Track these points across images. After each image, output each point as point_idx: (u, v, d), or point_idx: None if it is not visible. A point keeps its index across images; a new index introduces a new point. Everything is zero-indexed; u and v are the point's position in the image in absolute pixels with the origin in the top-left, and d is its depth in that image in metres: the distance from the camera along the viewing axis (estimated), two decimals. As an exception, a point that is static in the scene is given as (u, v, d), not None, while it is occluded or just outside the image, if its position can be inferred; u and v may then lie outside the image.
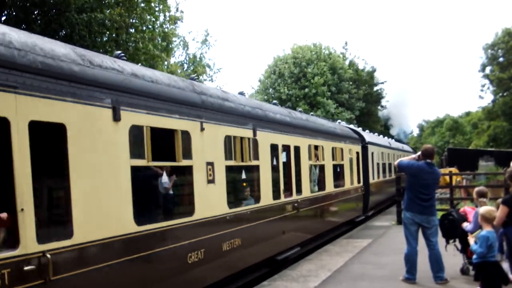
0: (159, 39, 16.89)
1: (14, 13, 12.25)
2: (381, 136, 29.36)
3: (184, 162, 7.34)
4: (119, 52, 6.25)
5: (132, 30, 14.10)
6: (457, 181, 24.64)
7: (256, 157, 9.77)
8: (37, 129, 4.84)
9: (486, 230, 6.65)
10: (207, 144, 7.93)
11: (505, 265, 7.50)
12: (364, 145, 19.81)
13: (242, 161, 9.22)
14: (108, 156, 5.79)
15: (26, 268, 4.57)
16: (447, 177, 18.90)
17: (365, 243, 13.41)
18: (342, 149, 16.22)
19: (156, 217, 7.11)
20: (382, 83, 47.39)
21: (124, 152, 6.05)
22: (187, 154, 7.40)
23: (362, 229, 17.12)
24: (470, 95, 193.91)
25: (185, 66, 21.41)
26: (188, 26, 62.27)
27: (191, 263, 7.28)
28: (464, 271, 9.02)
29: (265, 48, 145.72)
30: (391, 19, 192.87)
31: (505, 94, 52.06)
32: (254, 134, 9.66)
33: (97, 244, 5.50)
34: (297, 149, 12.08)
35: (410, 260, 8.69)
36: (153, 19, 15.40)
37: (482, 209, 6.97)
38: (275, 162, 10.79)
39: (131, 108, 6.15)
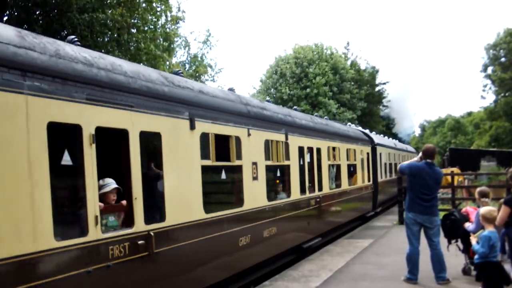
0: (161, 39, 16.89)
1: (16, 13, 12.26)
2: (386, 137, 30.40)
3: (237, 162, 8.92)
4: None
5: (134, 30, 14.09)
6: (459, 181, 24.63)
7: (288, 157, 11.34)
8: (144, 137, 6.41)
9: (488, 230, 6.64)
10: (252, 147, 9.50)
11: (507, 266, 7.49)
12: (373, 146, 21.03)
13: (277, 161, 10.82)
14: (186, 157, 7.37)
15: (138, 242, 6.08)
16: (449, 177, 18.88)
17: (367, 243, 13.39)
18: (354, 150, 17.62)
19: (217, 207, 8.43)
20: (384, 83, 47.40)
21: (196, 154, 7.63)
22: (239, 156, 8.97)
23: (363, 229, 17.10)
24: (472, 95, 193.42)
25: (187, 66, 21.41)
26: (190, 26, 62.39)
27: (241, 245, 8.90)
28: (466, 271, 9.01)
29: (266, 48, 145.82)
30: (393, 19, 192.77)
31: (507, 94, 52.01)
32: (286, 138, 11.24)
33: (181, 227, 7.09)
34: (318, 150, 13.63)
35: (412, 260, 8.68)
36: (155, 19, 15.40)
37: (483, 210, 6.96)
38: (301, 162, 12.27)
39: (201, 119, 7.73)
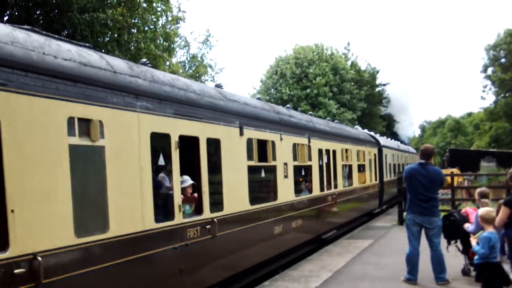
0: (161, 39, 16.89)
1: (16, 13, 12.26)
2: (388, 138, 31.80)
3: (272, 163, 10.58)
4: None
5: (134, 30, 14.10)
6: (459, 182, 24.64)
7: (310, 159, 12.90)
8: (209, 143, 8.03)
9: (488, 231, 6.65)
10: (283, 150, 11.12)
11: (506, 266, 7.49)
12: (380, 148, 22.54)
13: (302, 162, 12.39)
14: (237, 158, 8.97)
15: (206, 227, 7.69)
16: (449, 178, 18.88)
17: (366, 244, 13.41)
18: (364, 152, 19.38)
19: (258, 200, 9.90)
20: (384, 85, 47.34)
21: (244, 156, 9.24)
22: (274, 157, 10.60)
23: (363, 230, 17.11)
24: (472, 96, 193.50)
25: (187, 66, 21.40)
26: (189, 26, 62.34)
27: (275, 234, 10.49)
28: (465, 272, 9.02)
29: (267, 49, 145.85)
30: (393, 20, 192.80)
31: (507, 95, 52.01)
32: (309, 142, 12.84)
33: (233, 216, 8.66)
34: (334, 152, 15.31)
35: (412, 261, 8.69)
36: (155, 19, 15.40)
37: (481, 210, 6.96)
38: (320, 163, 13.83)
39: (247, 127, 9.33)
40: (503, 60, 52.53)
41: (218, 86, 9.86)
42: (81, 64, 5.54)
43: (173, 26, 18.74)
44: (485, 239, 6.52)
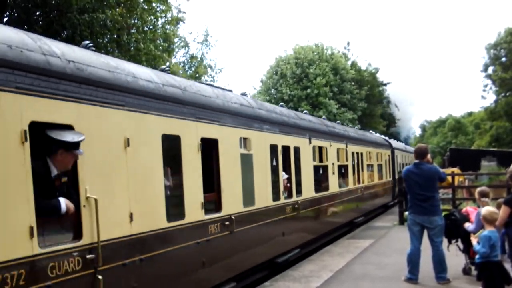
0: (161, 40, 16.88)
1: (16, 14, 12.26)
2: (397, 142, 35.47)
3: (325, 163, 14.18)
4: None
5: (134, 31, 14.09)
6: (459, 181, 24.61)
7: (346, 160, 16.60)
8: (296, 150, 11.75)
9: (488, 230, 6.63)
10: (331, 153, 14.68)
11: (507, 265, 7.47)
12: (392, 150, 26.59)
13: (342, 162, 16.00)
14: (308, 159, 12.62)
15: (295, 206, 11.38)
16: (450, 178, 18.84)
17: (367, 244, 13.39)
18: (381, 153, 23.56)
19: (319, 190, 13.48)
20: (385, 84, 47.28)
21: (311, 158, 12.93)
22: (326, 159, 14.23)
23: (364, 230, 17.10)
24: (473, 95, 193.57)
25: (186, 66, 21.39)
26: (189, 26, 62.32)
27: (328, 214, 14.33)
28: (466, 271, 9.01)
29: (267, 49, 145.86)
30: (393, 19, 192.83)
31: (507, 94, 51.92)
32: (346, 146, 16.62)
33: (308, 199, 12.55)
34: (361, 154, 19.19)
35: (413, 261, 8.68)
36: (154, 19, 15.40)
37: (484, 210, 6.94)
38: (353, 163, 17.45)
39: (313, 138, 13.02)
40: (503, 59, 52.42)
41: (282, 106, 14.00)
42: (242, 105, 9.28)
43: (173, 27, 18.72)
44: (485, 238, 6.51)
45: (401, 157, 30.25)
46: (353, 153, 17.46)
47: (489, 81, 54.99)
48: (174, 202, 6.93)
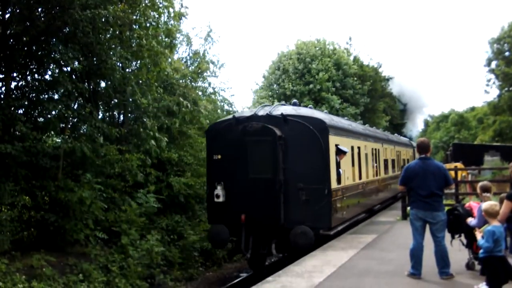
0: (163, 36, 16.86)
1: (17, 10, 12.25)
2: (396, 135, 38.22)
3: (386, 157, 22.54)
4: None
5: (136, 27, 14.06)
6: (463, 176, 24.57)
7: (393, 156, 24.49)
8: (386, 150, 22.73)
9: (493, 224, 6.62)
10: (386, 152, 22.23)
11: (511, 260, 7.47)
12: (413, 148, 31.87)
13: (387, 157, 22.65)
14: (383, 156, 21.39)
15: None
16: (453, 172, 18.83)
17: (370, 239, 13.38)
18: (406, 151, 30.10)
19: (386, 173, 22.06)
20: (388, 79, 47.14)
21: (383, 155, 21.51)
22: (386, 155, 22.66)
23: (367, 225, 17.09)
24: (476, 90, 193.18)
25: (188, 62, 21.35)
26: (191, 22, 62.18)
27: (389, 189, 22.50)
28: (469, 266, 9.00)
29: (270, 44, 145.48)
30: (395, 14, 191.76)
31: (510, 88, 51.67)
32: (395, 148, 25.17)
33: (385, 177, 22.44)
34: (399, 152, 26.81)
35: (415, 256, 8.66)
36: (157, 15, 15.36)
37: (485, 205, 6.93)
38: (390, 158, 23.59)
39: (384, 143, 22.11)
40: (507, 53, 52.18)
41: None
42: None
43: (176, 23, 18.67)
44: (489, 233, 6.51)
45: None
46: (396, 152, 25.68)
47: (492, 76, 54.75)
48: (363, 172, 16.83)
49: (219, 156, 12.94)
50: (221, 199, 12.62)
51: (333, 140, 12.88)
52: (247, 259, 13.20)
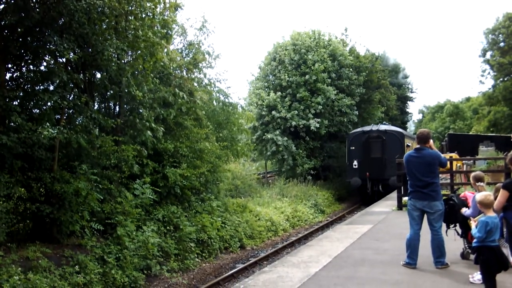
0: (159, 26, 16.76)
1: (12, 1, 12.16)
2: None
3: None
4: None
5: (131, 17, 13.97)
6: (458, 166, 24.71)
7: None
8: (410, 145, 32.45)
9: (488, 215, 6.66)
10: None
11: (506, 250, 7.52)
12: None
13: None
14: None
15: None
16: (448, 163, 18.91)
17: (366, 229, 13.47)
18: (413, 143, 33.33)
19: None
20: (383, 70, 47.03)
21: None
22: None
23: (362, 215, 17.18)
24: (471, 80, 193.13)
25: (184, 53, 21.26)
26: (186, 13, 61.89)
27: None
28: (464, 256, 9.08)
29: (265, 35, 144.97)
30: (390, 5, 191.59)
31: (505, 79, 51.94)
32: (413, 142, 31.49)
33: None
34: (412, 144, 31.74)
35: (412, 245, 8.73)
36: (153, 6, 15.25)
37: (479, 196, 6.94)
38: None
39: (408, 140, 31.27)
40: (502, 44, 52.39)
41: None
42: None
43: (172, 14, 18.55)
44: (482, 223, 6.54)
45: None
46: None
47: (487, 66, 54.99)
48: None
49: (353, 147, 28.66)
50: (356, 166, 28.22)
51: (405, 141, 28.51)
52: (369, 193, 27.52)
